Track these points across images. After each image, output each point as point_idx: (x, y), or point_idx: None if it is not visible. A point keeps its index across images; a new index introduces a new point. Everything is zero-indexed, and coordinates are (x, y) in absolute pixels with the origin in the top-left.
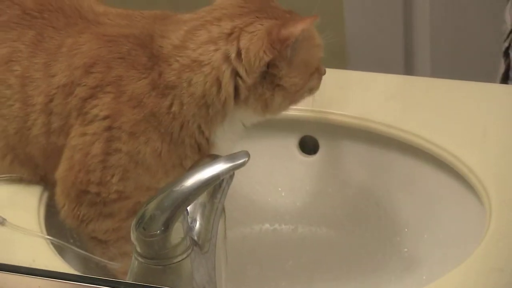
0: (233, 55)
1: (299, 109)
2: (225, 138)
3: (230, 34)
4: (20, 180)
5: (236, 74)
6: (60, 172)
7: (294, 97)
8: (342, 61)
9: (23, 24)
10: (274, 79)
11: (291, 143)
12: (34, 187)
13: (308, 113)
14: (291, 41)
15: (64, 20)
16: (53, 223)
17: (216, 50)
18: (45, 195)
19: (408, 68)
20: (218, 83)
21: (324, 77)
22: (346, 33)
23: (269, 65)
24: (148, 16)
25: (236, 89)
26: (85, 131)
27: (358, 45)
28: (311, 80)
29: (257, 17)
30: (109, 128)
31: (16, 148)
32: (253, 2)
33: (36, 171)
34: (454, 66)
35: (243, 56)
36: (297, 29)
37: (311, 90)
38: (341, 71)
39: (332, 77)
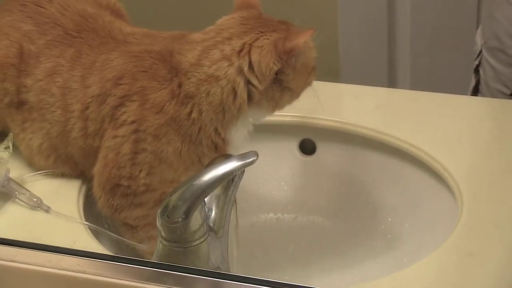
0: (245, 68)
1: (300, 116)
2: (238, 135)
3: (241, 51)
4: (62, 175)
5: (249, 82)
6: (96, 169)
7: (298, 94)
8: (336, 76)
9: (64, 42)
10: (283, 82)
11: (293, 145)
12: (74, 181)
13: (307, 120)
14: (295, 52)
15: (98, 39)
16: (90, 211)
17: (229, 65)
18: (84, 187)
19: (391, 82)
20: (234, 92)
21: (320, 89)
22: (340, 54)
23: (277, 72)
24: (166, 36)
25: (249, 94)
26: (116, 134)
27: (349, 63)
28: (310, 77)
29: (260, 31)
30: (136, 131)
31: (58, 148)
32: (251, 19)
33: (76, 167)
34: (430, 80)
35: (255, 68)
36: (300, 41)
37: (309, 84)
38: (335, 84)
39: (327, 89)
